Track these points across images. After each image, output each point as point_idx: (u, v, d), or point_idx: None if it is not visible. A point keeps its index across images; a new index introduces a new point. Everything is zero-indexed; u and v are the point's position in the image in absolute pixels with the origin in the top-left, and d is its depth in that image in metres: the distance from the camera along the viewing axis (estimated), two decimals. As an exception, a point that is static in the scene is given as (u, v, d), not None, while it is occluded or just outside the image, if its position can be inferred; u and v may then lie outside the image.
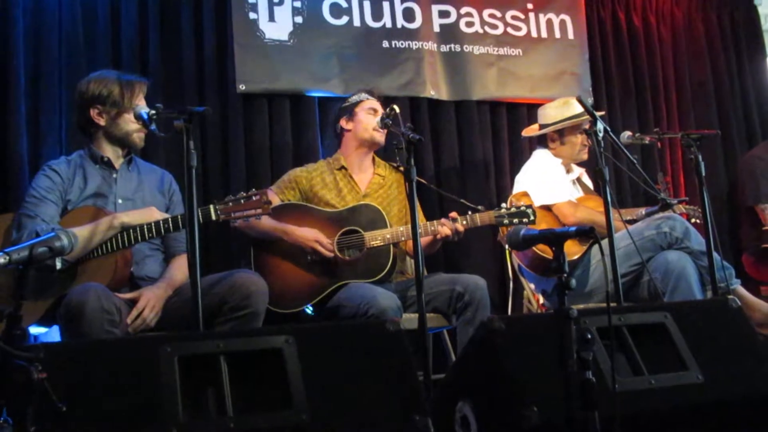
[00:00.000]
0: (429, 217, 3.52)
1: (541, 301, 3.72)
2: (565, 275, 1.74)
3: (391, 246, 3.16)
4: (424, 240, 3.12)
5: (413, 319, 2.80)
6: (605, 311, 1.87)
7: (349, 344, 1.95)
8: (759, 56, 5.21)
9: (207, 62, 3.91)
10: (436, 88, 4.29)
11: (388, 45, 4.22)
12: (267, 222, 3.16)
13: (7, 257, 1.72)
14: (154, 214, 2.71)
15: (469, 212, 3.13)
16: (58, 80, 3.64)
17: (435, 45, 4.32)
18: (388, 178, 3.51)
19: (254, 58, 3.94)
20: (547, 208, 3.62)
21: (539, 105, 4.02)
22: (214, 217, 2.60)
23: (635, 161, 3.09)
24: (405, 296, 3.17)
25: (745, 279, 4.08)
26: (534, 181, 3.71)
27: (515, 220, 3.10)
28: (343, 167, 3.46)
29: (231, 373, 1.78)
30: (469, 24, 4.43)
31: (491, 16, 4.48)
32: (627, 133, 3.45)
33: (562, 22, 4.63)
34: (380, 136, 3.42)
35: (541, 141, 3.89)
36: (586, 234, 1.81)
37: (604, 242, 2.71)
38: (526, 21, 4.56)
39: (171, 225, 2.65)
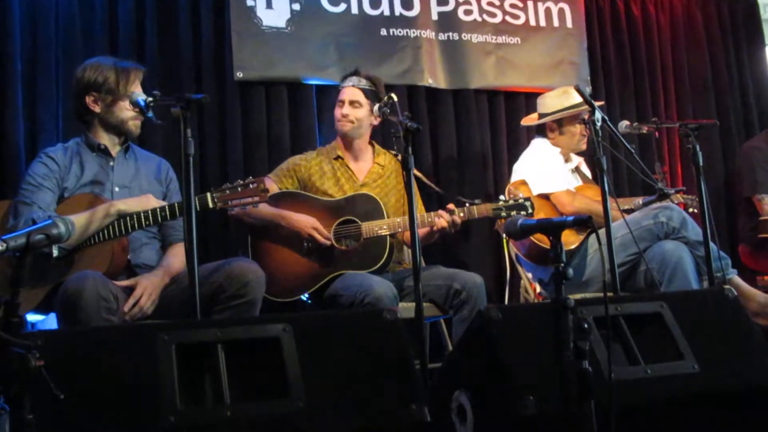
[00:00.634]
0: (427, 208, 3.52)
1: (538, 290, 3.72)
2: (562, 265, 1.74)
3: (388, 237, 3.16)
4: (421, 231, 3.13)
5: (410, 308, 2.81)
6: (602, 301, 1.88)
7: (346, 333, 1.95)
8: (758, 46, 5.20)
9: (204, 49, 3.90)
10: (434, 76, 4.28)
11: (386, 33, 4.21)
12: (264, 209, 3.15)
13: (4, 244, 1.71)
14: (151, 202, 2.71)
15: (467, 204, 3.13)
16: (55, 68, 3.62)
17: (433, 33, 4.31)
18: (387, 167, 3.50)
19: (252, 46, 3.93)
20: (545, 197, 3.62)
21: (537, 94, 4.01)
22: (211, 205, 2.60)
23: (633, 151, 3.08)
24: (402, 286, 3.17)
25: (742, 269, 4.09)
26: (532, 170, 3.71)
27: (513, 213, 3.10)
28: (339, 156, 3.45)
29: (228, 361, 1.79)
30: (468, 12, 4.41)
31: (490, 4, 4.46)
32: (625, 123, 3.45)
33: (561, 11, 4.61)
34: (341, 127, 3.41)
35: (540, 130, 3.88)
36: (584, 223, 1.81)
37: (602, 232, 2.71)
38: (525, 9, 4.54)
39: (168, 213, 2.64)
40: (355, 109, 3.36)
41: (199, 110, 3.82)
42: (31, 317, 2.74)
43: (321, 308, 3.15)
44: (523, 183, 3.68)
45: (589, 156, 3.81)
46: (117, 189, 2.88)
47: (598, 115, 2.82)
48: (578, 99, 3.58)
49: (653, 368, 1.96)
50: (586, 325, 1.66)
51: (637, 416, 1.90)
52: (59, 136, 3.53)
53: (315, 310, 3.18)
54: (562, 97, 3.78)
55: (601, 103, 4.05)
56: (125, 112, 2.86)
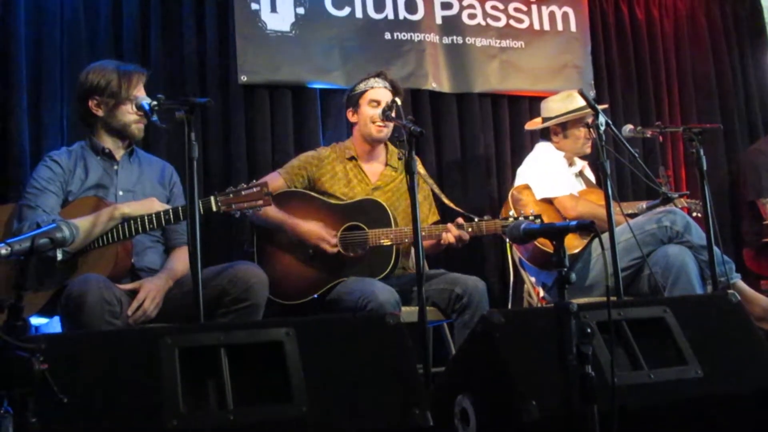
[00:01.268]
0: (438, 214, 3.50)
1: (542, 294, 3.72)
2: (566, 269, 1.75)
3: (394, 245, 3.14)
4: (427, 242, 3.11)
5: (413, 312, 2.81)
6: (605, 305, 1.87)
7: (349, 337, 1.95)
8: (762, 50, 5.20)
9: (208, 53, 3.91)
10: (438, 80, 4.28)
11: (390, 37, 4.21)
12: (272, 211, 3.14)
13: (9, 248, 1.72)
14: (154, 205, 2.71)
15: (476, 219, 3.11)
16: (60, 71, 3.64)
17: (437, 37, 4.31)
18: (400, 170, 3.44)
19: (256, 50, 3.94)
20: (549, 202, 3.62)
21: (541, 98, 4.01)
22: (215, 209, 2.61)
23: (637, 155, 3.08)
24: (405, 290, 3.16)
25: (746, 273, 4.09)
26: (536, 174, 3.71)
27: (519, 219, 3.08)
28: (353, 158, 3.43)
29: (231, 366, 1.79)
30: (472, 16, 4.41)
31: (494, 8, 4.47)
32: (629, 127, 3.44)
33: (565, 15, 4.62)
34: (378, 132, 3.34)
35: (544, 134, 3.88)
36: (587, 228, 1.81)
37: (605, 236, 2.71)
38: (529, 13, 4.54)
39: (172, 216, 2.65)
40: None
41: (204, 114, 3.83)
42: (35, 320, 2.75)
43: (324, 312, 3.15)
44: (527, 187, 3.68)
45: (593, 160, 3.80)
46: (121, 192, 2.89)
47: (602, 119, 2.82)
48: (582, 102, 3.58)
49: (656, 373, 1.96)
50: (589, 330, 1.66)
51: (640, 421, 1.90)
52: (64, 140, 3.54)
53: (318, 314, 3.18)
54: (566, 101, 3.78)
55: (605, 106, 4.05)
56: (128, 115, 2.86)
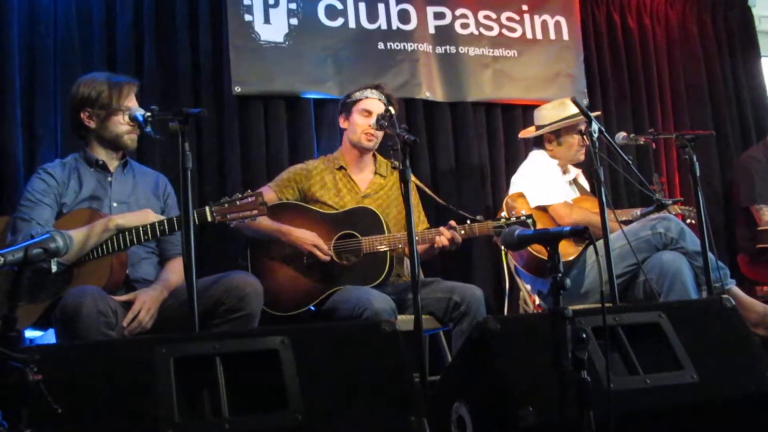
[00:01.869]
0: (429, 220, 3.51)
1: (537, 301, 3.72)
2: (560, 275, 1.75)
3: (388, 252, 3.15)
4: (421, 247, 3.12)
5: (409, 320, 2.80)
6: (600, 311, 1.88)
7: (344, 345, 1.95)
8: (753, 57, 5.23)
9: (202, 64, 3.91)
10: (432, 89, 4.30)
11: (383, 46, 4.23)
12: (264, 222, 3.15)
13: (2, 258, 1.71)
14: (149, 217, 2.71)
15: (468, 221, 3.12)
16: (53, 83, 3.64)
17: (430, 46, 4.33)
18: (389, 178, 3.49)
19: (249, 60, 3.95)
20: (543, 209, 3.62)
21: (534, 106, 4.03)
22: (209, 219, 2.60)
23: (630, 162, 3.09)
24: (401, 299, 3.16)
25: (741, 279, 4.10)
26: (530, 182, 3.71)
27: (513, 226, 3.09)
28: (342, 167, 3.44)
29: (226, 374, 1.79)
30: (464, 25, 4.43)
31: (486, 17, 4.49)
32: (622, 134, 3.46)
33: (557, 24, 4.64)
34: (367, 140, 3.36)
35: (538, 142, 3.89)
36: (580, 234, 1.81)
37: (600, 243, 2.72)
38: (521, 22, 4.56)
39: (166, 227, 2.65)
40: None
41: (197, 125, 3.83)
42: (30, 333, 2.74)
43: (319, 321, 3.14)
44: (521, 195, 3.69)
45: (587, 167, 3.82)
46: (115, 204, 2.89)
47: (595, 126, 2.83)
48: (575, 110, 3.60)
49: (652, 378, 1.96)
50: (584, 335, 1.66)
51: (635, 426, 1.89)
52: (58, 152, 3.54)
53: (313, 322, 3.17)
54: (558, 109, 3.79)
55: (598, 113, 4.06)
56: (120, 126, 2.86)
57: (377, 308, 2.85)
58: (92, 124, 2.87)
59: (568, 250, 3.47)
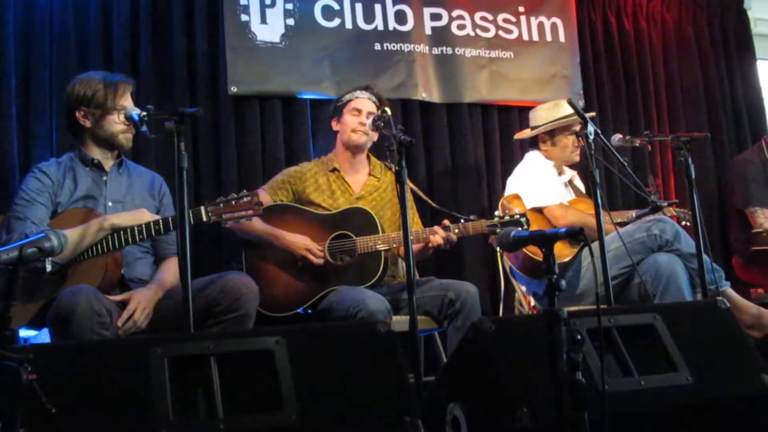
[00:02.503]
0: (423, 223, 3.52)
1: (533, 303, 3.72)
2: (555, 276, 1.75)
3: (383, 252, 3.15)
4: (416, 246, 3.12)
5: (404, 321, 2.80)
6: (595, 312, 1.88)
7: (339, 345, 1.95)
8: (749, 60, 5.24)
9: (198, 64, 3.91)
10: (428, 90, 4.30)
11: (379, 47, 4.23)
12: (258, 224, 3.16)
13: (-3, 258, 1.71)
14: (144, 216, 2.70)
15: (462, 220, 3.13)
16: (49, 82, 3.63)
17: (427, 47, 4.33)
18: (383, 179, 3.50)
19: (246, 60, 3.94)
20: (539, 211, 3.63)
21: (530, 108, 4.03)
22: (204, 219, 2.60)
23: (626, 164, 3.10)
24: (396, 299, 3.16)
25: (735, 281, 4.10)
26: (525, 184, 3.72)
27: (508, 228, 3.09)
28: (335, 169, 3.45)
29: (221, 375, 1.78)
30: (461, 27, 4.44)
31: (483, 19, 4.49)
32: (618, 136, 3.46)
33: (554, 25, 4.64)
34: (358, 138, 3.37)
35: (533, 143, 3.90)
36: (576, 235, 1.82)
37: (595, 244, 2.72)
38: (518, 24, 4.57)
39: (162, 227, 2.64)
40: None
41: (193, 124, 3.83)
42: (24, 332, 2.73)
43: (314, 322, 3.14)
44: (517, 197, 3.69)
45: (583, 169, 3.82)
46: (110, 203, 2.88)
47: (591, 128, 2.83)
48: (569, 110, 3.60)
49: (647, 380, 1.96)
50: (579, 337, 1.66)
51: (630, 427, 1.90)
52: (53, 151, 3.54)
53: (308, 323, 3.17)
54: (553, 110, 3.80)
55: (593, 114, 4.07)
56: (115, 125, 2.86)
57: (372, 309, 2.85)
58: (87, 123, 2.87)
59: (563, 252, 3.48)
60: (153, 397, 1.70)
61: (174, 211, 2.86)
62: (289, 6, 4.07)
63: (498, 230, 3.10)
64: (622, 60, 4.88)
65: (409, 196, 3.44)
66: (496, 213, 3.18)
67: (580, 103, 4.53)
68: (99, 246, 2.63)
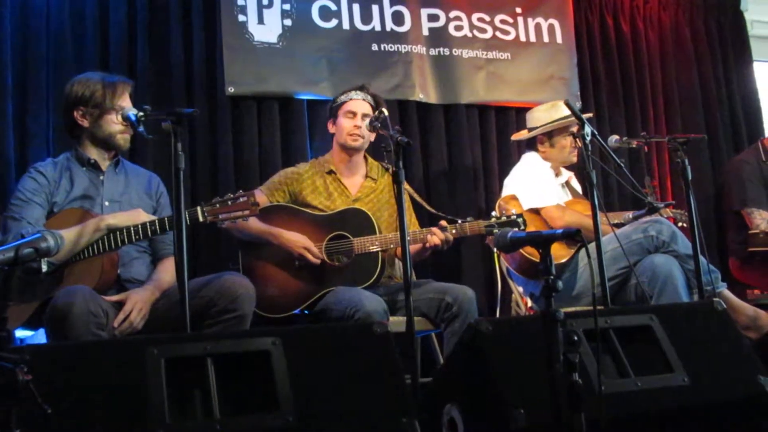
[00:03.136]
0: (420, 224, 3.52)
1: (530, 304, 3.72)
2: (552, 278, 1.75)
3: (380, 252, 3.15)
4: (413, 247, 3.12)
5: (401, 322, 2.80)
6: (592, 313, 1.88)
7: (336, 346, 1.95)
8: (745, 61, 5.25)
9: (196, 64, 3.90)
10: (425, 91, 4.30)
11: (377, 48, 4.23)
12: (255, 224, 3.15)
13: (-8, 258, 1.71)
14: (140, 216, 2.70)
15: (459, 221, 3.13)
16: (46, 81, 3.62)
17: (424, 48, 4.33)
18: (380, 181, 3.49)
19: (243, 61, 3.94)
20: (536, 212, 3.63)
21: (528, 109, 4.03)
22: (201, 219, 2.59)
23: (623, 165, 3.10)
24: (393, 300, 3.16)
25: (732, 282, 4.11)
26: (523, 185, 3.72)
27: (505, 229, 3.10)
28: (332, 171, 3.44)
29: (218, 375, 1.78)
30: (458, 28, 4.44)
31: (480, 20, 4.50)
32: (614, 137, 3.47)
33: (551, 27, 4.65)
34: (353, 140, 3.36)
35: (530, 144, 3.90)
36: (573, 236, 1.81)
37: (591, 246, 2.72)
38: (515, 25, 4.57)
39: (158, 227, 2.64)
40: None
41: (190, 125, 3.82)
42: (20, 333, 2.72)
43: (311, 322, 3.14)
44: (514, 198, 3.69)
45: (579, 170, 3.83)
46: (107, 203, 2.88)
47: (588, 129, 2.83)
48: (567, 111, 3.60)
49: (643, 380, 1.97)
50: (575, 338, 1.66)
51: (627, 428, 1.90)
52: (50, 151, 3.53)
53: (305, 323, 3.17)
54: (551, 110, 3.80)
55: (589, 115, 4.07)
56: (113, 125, 2.86)
57: (369, 310, 2.85)
58: (85, 123, 2.86)
59: (560, 253, 3.48)
60: (149, 398, 1.70)
61: (171, 211, 2.85)
62: (287, 6, 4.07)
63: (495, 230, 3.10)
64: (619, 61, 4.89)
65: (406, 198, 3.45)
66: (493, 213, 3.18)
67: (577, 105, 4.54)
68: (95, 246, 2.63)
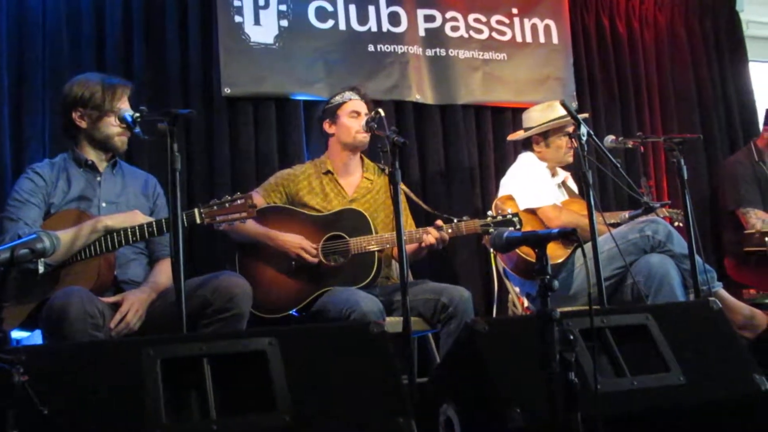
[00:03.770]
0: (416, 224, 3.52)
1: (526, 304, 3.73)
2: (548, 277, 1.75)
3: (376, 252, 3.15)
4: (409, 247, 3.13)
5: (397, 322, 2.81)
6: (588, 313, 1.89)
7: (332, 346, 1.95)
8: (741, 62, 5.27)
9: (192, 65, 3.90)
10: (422, 92, 4.30)
11: (373, 49, 4.23)
12: (252, 226, 3.15)
13: (-12, 259, 1.71)
14: (137, 218, 2.70)
15: (455, 220, 3.13)
16: (42, 82, 3.62)
17: (420, 49, 4.33)
18: (376, 182, 3.50)
19: (239, 62, 3.94)
20: (532, 212, 3.63)
21: (524, 109, 4.04)
22: (198, 221, 2.59)
23: (619, 165, 3.11)
24: (389, 300, 3.16)
25: (727, 282, 4.12)
26: (519, 185, 3.73)
27: (501, 228, 3.10)
28: (329, 171, 3.45)
29: (214, 376, 1.78)
30: (455, 28, 4.44)
31: (476, 20, 4.50)
32: (610, 137, 3.48)
33: (547, 27, 4.66)
34: (364, 138, 3.37)
35: (527, 144, 3.90)
36: (569, 236, 1.82)
37: (588, 245, 2.73)
38: (511, 26, 4.58)
39: (155, 228, 2.64)
40: None
41: (187, 126, 3.82)
42: (17, 334, 2.72)
43: (307, 322, 3.14)
44: (510, 198, 3.70)
45: (576, 171, 3.83)
46: (104, 204, 2.88)
47: (584, 129, 2.84)
48: (563, 111, 3.60)
49: (639, 380, 1.97)
50: (572, 337, 1.67)
51: (623, 428, 1.90)
52: (45, 152, 3.52)
53: (301, 324, 3.17)
54: (546, 111, 3.81)
55: (585, 115, 4.08)
56: (111, 127, 2.86)
57: (365, 310, 2.85)
58: (83, 124, 2.86)
59: (556, 253, 3.49)
60: (146, 399, 1.70)
61: (168, 212, 2.86)
62: (283, 7, 4.07)
63: (491, 230, 3.11)
64: (615, 62, 4.90)
65: (402, 198, 3.45)
66: (489, 213, 3.19)
67: (573, 105, 4.55)
68: (92, 247, 2.63)
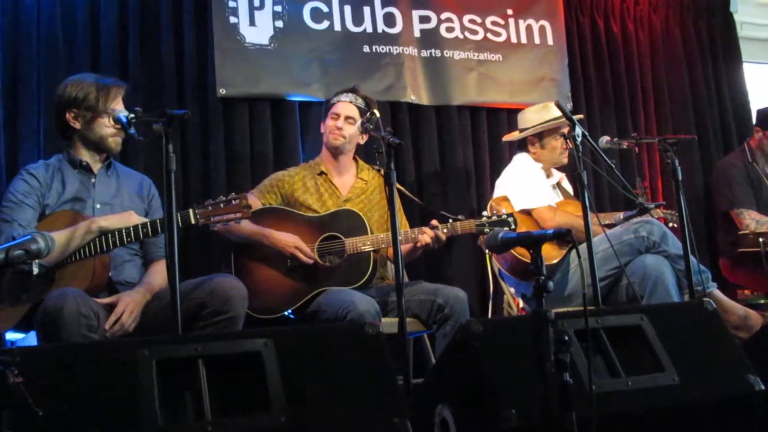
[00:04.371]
0: (411, 224, 3.53)
1: (521, 304, 3.74)
2: (543, 278, 1.75)
3: (372, 253, 3.16)
4: (404, 247, 3.13)
5: (393, 323, 2.81)
6: (583, 314, 1.89)
7: (328, 347, 1.95)
8: (735, 63, 5.28)
9: (187, 66, 3.90)
10: (417, 93, 4.31)
11: (368, 50, 4.23)
12: (247, 226, 3.15)
13: (-17, 261, 1.70)
14: (132, 219, 2.69)
15: (450, 220, 3.14)
16: (36, 83, 3.61)
17: (415, 50, 4.34)
18: (370, 182, 3.51)
19: (235, 63, 3.94)
20: (527, 213, 3.64)
21: (519, 110, 4.04)
22: (193, 221, 2.59)
23: (613, 166, 3.11)
24: (385, 301, 3.17)
25: (722, 283, 4.13)
26: (514, 186, 3.73)
27: (496, 229, 3.11)
28: (322, 172, 3.45)
29: (209, 377, 1.78)
30: (450, 29, 4.45)
31: (471, 21, 4.51)
32: (605, 138, 3.48)
33: (542, 28, 4.66)
34: (333, 140, 3.39)
35: (522, 145, 3.91)
36: (563, 237, 1.82)
37: (582, 246, 2.74)
38: (506, 27, 4.59)
39: (150, 229, 2.63)
40: (349, 125, 3.37)
41: (182, 127, 3.81)
42: (11, 335, 2.71)
43: (303, 323, 3.14)
44: (505, 199, 3.70)
45: (571, 171, 3.84)
46: (98, 206, 2.87)
47: (579, 130, 2.84)
48: (558, 113, 3.62)
49: (634, 380, 1.97)
50: (566, 338, 1.67)
51: (617, 428, 1.91)
52: (40, 153, 3.52)
53: (297, 324, 3.17)
54: (542, 111, 3.81)
55: (580, 116, 4.09)
56: (105, 128, 2.85)
57: (361, 310, 2.86)
58: (77, 125, 2.86)
59: (551, 254, 3.49)
60: (140, 400, 1.69)
61: (162, 213, 2.85)
62: (278, 8, 4.07)
63: (486, 230, 3.12)
64: (610, 62, 4.91)
65: (396, 198, 3.45)
66: (484, 213, 3.19)
67: (568, 106, 4.56)
68: (86, 248, 2.62)
